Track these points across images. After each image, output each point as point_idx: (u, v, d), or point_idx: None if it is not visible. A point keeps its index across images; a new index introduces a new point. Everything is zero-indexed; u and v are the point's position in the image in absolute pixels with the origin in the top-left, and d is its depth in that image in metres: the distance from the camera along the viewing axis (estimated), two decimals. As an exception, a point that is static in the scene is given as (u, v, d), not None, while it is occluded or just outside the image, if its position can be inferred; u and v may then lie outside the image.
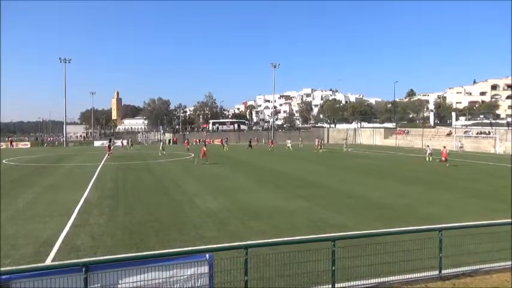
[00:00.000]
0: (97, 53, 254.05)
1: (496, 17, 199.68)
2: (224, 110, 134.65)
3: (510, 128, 57.22)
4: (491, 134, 54.16)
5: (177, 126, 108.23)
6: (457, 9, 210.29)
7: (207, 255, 6.19)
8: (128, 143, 62.54)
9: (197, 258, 6.18)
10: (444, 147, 33.75)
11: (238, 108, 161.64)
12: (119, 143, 65.71)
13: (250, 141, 57.18)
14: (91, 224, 12.44)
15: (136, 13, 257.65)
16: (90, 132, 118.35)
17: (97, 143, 75.99)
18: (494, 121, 72.44)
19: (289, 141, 55.98)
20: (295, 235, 10.31)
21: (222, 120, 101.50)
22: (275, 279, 7.09)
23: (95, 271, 5.57)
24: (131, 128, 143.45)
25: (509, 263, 8.48)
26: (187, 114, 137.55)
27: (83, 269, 5.47)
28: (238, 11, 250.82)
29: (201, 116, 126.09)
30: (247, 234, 11.10)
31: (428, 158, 35.15)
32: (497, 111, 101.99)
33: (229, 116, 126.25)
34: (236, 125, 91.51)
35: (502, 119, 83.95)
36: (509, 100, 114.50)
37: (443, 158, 31.44)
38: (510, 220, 10.67)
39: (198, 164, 31.88)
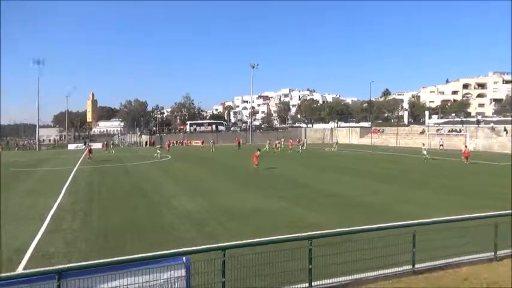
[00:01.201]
0: (71, 54, 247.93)
1: (468, 17, 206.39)
2: (202, 111, 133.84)
3: (479, 125, 59.32)
4: (462, 131, 55.92)
5: (154, 128, 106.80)
6: (430, 10, 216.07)
7: (184, 258, 6.16)
8: (109, 145, 61.18)
9: (174, 261, 6.14)
10: (466, 146, 33.63)
11: (216, 109, 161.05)
12: (96, 145, 64.31)
13: (239, 142, 56.79)
14: (64, 229, 12.15)
15: (109, 13, 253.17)
16: (64, 135, 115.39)
17: (71, 146, 74.27)
18: (465, 119, 74.77)
19: (278, 140, 55.47)
20: (273, 235, 10.37)
21: (199, 121, 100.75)
22: (253, 279, 7.12)
23: (69, 278, 5.46)
24: (107, 130, 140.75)
25: (478, 255, 8.82)
26: (164, 115, 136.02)
27: (56, 277, 5.35)
28: (215, 10, 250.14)
29: (178, 117, 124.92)
30: (225, 235, 11.10)
31: (425, 158, 34.19)
32: (468, 110, 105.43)
33: (207, 117, 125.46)
34: (214, 126, 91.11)
35: (473, 117, 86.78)
36: (480, 98, 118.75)
37: (464, 157, 30.66)
38: (478, 214, 11.06)
39: (170, 163, 31.54)
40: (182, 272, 6.07)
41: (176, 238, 10.98)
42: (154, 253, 8.73)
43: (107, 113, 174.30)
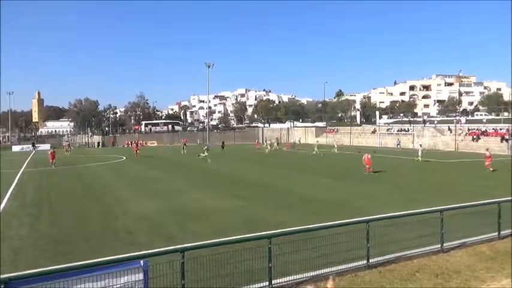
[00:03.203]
0: (15, 49, 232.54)
1: (416, 22, 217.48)
2: (157, 110, 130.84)
3: (425, 125, 62.81)
4: (410, 131, 58.88)
5: (106, 128, 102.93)
6: (378, 12, 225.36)
7: (142, 262, 5.99)
8: (70, 146, 57.91)
9: (131, 265, 5.94)
10: (487, 149, 28.55)
11: (172, 109, 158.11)
12: (43, 147, 60.81)
13: (223, 143, 55.21)
14: (11, 236, 11.39)
15: (58, 8, 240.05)
16: (8, 136, 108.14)
17: (16, 148, 69.70)
18: (412, 119, 78.82)
19: (269, 141, 54.29)
20: (233, 235, 10.35)
21: (155, 121, 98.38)
22: (213, 280, 7.06)
23: (16, 287, 5.12)
24: (55, 131, 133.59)
25: (427, 248, 9.34)
26: (117, 115, 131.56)
27: (2, 286, 5.01)
28: (170, 7, 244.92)
29: (132, 117, 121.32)
30: (184, 236, 10.92)
31: (418, 158, 32.76)
32: (415, 110, 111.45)
33: (163, 117, 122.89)
34: (170, 126, 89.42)
35: (419, 117, 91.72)
36: (425, 100, 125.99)
37: (487, 163, 25.51)
38: (428, 209, 11.68)
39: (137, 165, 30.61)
40: (140, 276, 5.89)
41: (133, 242, 10.66)
42: (109, 258, 8.38)
43: (55, 113, 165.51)
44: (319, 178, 23.54)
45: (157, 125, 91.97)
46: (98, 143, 77.39)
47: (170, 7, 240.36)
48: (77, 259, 8.95)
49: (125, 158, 42.03)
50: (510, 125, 48.39)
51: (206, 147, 38.57)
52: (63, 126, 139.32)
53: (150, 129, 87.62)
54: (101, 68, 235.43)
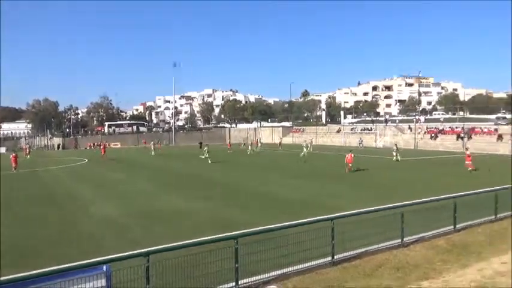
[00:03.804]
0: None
1: (377, 23, 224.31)
2: (121, 111, 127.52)
3: (387, 124, 64.99)
4: (373, 130, 60.77)
5: (67, 130, 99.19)
6: (343, 14, 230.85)
7: (104, 267, 5.84)
8: (30, 149, 55.09)
9: (93, 271, 5.78)
10: (467, 148, 28.82)
11: (137, 110, 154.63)
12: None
13: (201, 143, 53.54)
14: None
15: (12, 6, 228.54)
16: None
17: (-33, 151, 65.83)
18: (375, 118, 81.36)
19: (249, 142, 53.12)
20: (199, 236, 10.28)
21: (119, 122, 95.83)
22: (179, 283, 6.98)
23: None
24: (11, 132, 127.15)
25: (390, 242, 9.68)
26: (79, 116, 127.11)
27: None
28: (134, 6, 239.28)
29: (95, 118, 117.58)
30: (149, 240, 10.71)
31: (396, 157, 32.99)
32: (378, 110, 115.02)
33: (127, 118, 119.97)
34: (135, 127, 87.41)
35: (381, 116, 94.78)
36: (387, 100, 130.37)
37: (468, 163, 25.11)
38: (390, 205, 12.07)
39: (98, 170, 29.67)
40: (102, 282, 5.74)
41: (96, 247, 10.34)
42: (70, 264, 8.06)
43: (11, 114, 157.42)
44: (288, 178, 23.81)
45: (121, 126, 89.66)
46: (58, 145, 74.55)
47: (133, 5, 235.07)
48: (36, 266, 8.58)
49: (87, 160, 40.72)
50: (464, 123, 51.01)
51: (206, 148, 36.85)
52: (20, 128, 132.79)
53: (114, 131, 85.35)
54: (62, 67, 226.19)
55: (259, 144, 53.18)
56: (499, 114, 62.51)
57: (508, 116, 58.52)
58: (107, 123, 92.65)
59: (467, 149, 28.60)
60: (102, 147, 46.76)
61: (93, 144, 72.23)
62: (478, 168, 25.01)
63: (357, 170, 25.86)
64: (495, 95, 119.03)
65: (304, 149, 38.21)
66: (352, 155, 26.30)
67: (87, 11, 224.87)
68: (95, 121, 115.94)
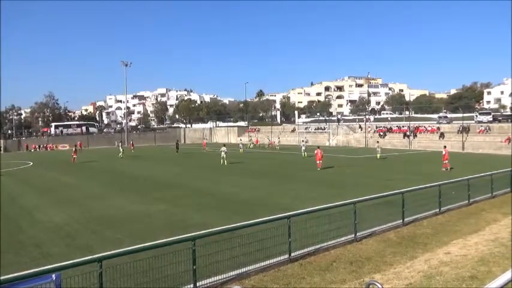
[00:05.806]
0: None
1: (330, 24, 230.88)
2: (69, 111, 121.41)
3: (340, 123, 67.14)
4: (326, 129, 62.45)
5: (9, 131, 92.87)
6: (297, 13, 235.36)
7: (54, 276, 5.54)
8: None
9: (41, 280, 5.47)
10: (445, 146, 26.93)
11: (86, 110, 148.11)
12: None
13: (177, 144, 51.55)
14: None
15: None
16: None
17: None
18: (328, 118, 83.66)
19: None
20: (154, 239, 10.04)
21: (67, 123, 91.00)
22: (135, 288, 6.78)
23: None
24: None
25: (343, 238, 10.00)
26: (22, 116, 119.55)
27: None
28: (87, 2, 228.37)
29: (40, 119, 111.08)
30: (102, 245, 10.30)
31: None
32: (330, 109, 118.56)
33: (76, 118, 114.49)
34: (84, 128, 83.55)
35: (334, 116, 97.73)
36: (339, 100, 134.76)
37: (445, 162, 24.72)
38: (343, 202, 12.48)
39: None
40: (52, 292, 5.44)
41: (43, 255, 9.77)
42: (15, 274, 7.53)
43: None
44: (242, 178, 23.87)
45: (69, 126, 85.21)
46: (-1, 147, 69.53)
47: (86, 1, 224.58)
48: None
49: (31, 163, 38.38)
50: (410, 122, 53.86)
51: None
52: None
53: (62, 132, 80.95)
54: (2, 65, 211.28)
55: (276, 142, 55.24)
56: (441, 114, 66.66)
57: (449, 115, 62.58)
58: (53, 124, 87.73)
59: (445, 147, 26.61)
60: (73, 150, 40.08)
61: (38, 146, 68.28)
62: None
63: (327, 168, 26.51)
64: (437, 96, 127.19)
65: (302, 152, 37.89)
66: (321, 152, 27.18)
67: (32, 6, 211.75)
68: (40, 122, 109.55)
